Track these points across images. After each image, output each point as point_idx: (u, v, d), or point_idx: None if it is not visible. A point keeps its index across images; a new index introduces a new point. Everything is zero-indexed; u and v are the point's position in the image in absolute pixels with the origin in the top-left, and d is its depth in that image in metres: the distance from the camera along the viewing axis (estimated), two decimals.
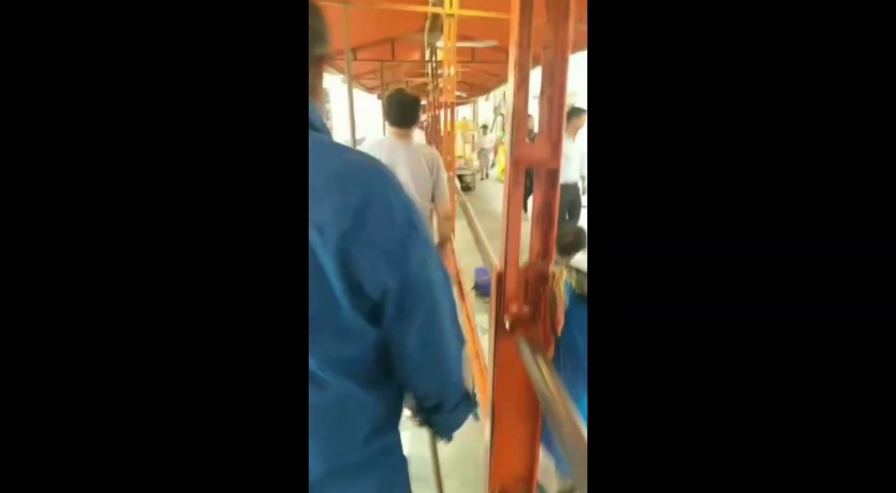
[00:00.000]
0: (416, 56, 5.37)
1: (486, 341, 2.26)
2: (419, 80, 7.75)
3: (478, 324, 2.70)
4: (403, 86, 9.12)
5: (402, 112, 1.83)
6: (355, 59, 4.64)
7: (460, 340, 0.66)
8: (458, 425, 0.72)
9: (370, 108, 11.03)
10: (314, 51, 0.55)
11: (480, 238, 1.49)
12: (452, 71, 2.73)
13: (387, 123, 1.89)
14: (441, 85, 5.30)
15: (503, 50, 4.95)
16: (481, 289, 3.28)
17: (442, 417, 0.70)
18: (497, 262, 0.76)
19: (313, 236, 0.48)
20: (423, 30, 4.37)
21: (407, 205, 0.54)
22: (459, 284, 3.08)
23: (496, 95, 12.70)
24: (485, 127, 11.22)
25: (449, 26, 2.77)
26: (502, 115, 13.53)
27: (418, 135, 5.84)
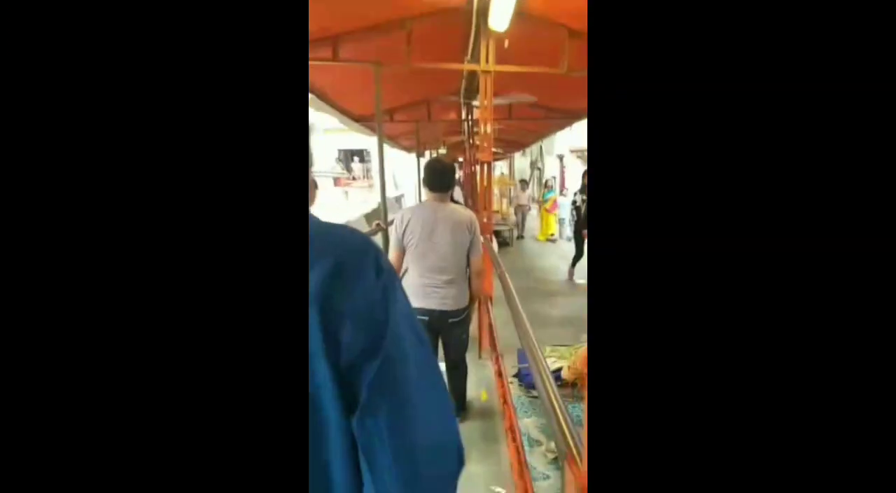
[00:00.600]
0: (453, 115, 5.38)
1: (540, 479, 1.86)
2: (456, 139, 7.85)
3: (525, 435, 2.05)
4: (441, 144, 9.39)
5: (441, 179, 1.99)
6: (391, 120, 4.67)
7: (443, 413, 0.54)
8: None
9: (408, 165, 11.26)
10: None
11: (519, 314, 1.27)
12: (489, 129, 2.59)
13: (426, 189, 2.04)
14: (477, 142, 5.33)
15: (541, 105, 4.90)
16: (526, 379, 2.58)
17: None
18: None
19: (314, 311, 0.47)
20: (458, 91, 4.37)
21: (376, 259, 0.52)
22: (499, 369, 2.60)
23: (532, 149, 12.74)
24: (523, 182, 11.10)
25: (485, 83, 2.67)
26: (539, 169, 13.49)
27: (456, 191, 6.09)
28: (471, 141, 5.21)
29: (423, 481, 0.51)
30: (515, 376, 2.72)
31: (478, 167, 3.57)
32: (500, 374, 2.54)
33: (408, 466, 0.50)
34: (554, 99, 4.61)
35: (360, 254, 0.51)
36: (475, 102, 3.79)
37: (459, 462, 0.55)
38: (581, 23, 2.58)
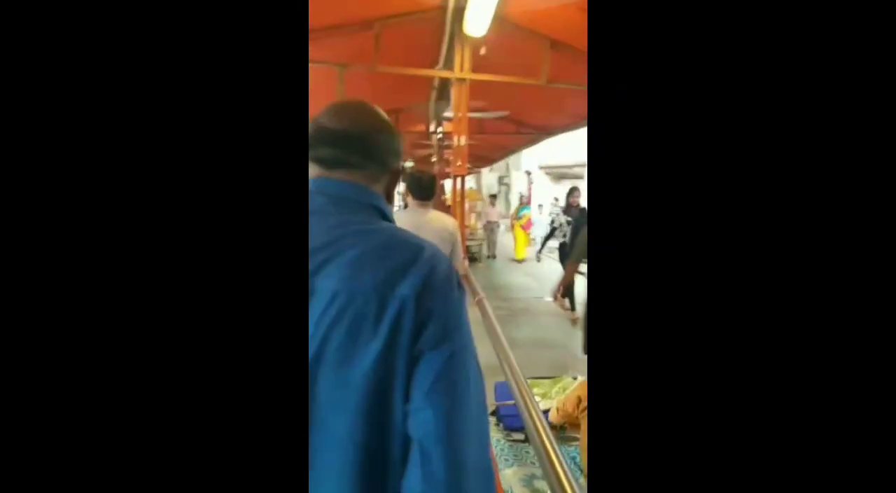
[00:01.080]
0: (421, 127, 5.17)
1: None
2: (423, 152, 7.65)
3: (507, 491, 1.69)
4: (406, 158, 9.17)
5: (423, 188, 2.21)
6: None
7: (484, 436, 0.58)
8: None
9: None
10: (394, 164, 0.66)
11: (500, 343, 1.04)
12: (463, 141, 2.38)
13: (410, 197, 2.23)
14: (445, 157, 5.14)
15: (513, 119, 4.76)
16: (506, 420, 2.18)
17: None
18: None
19: (394, 308, 0.52)
20: (428, 100, 4.17)
21: (454, 275, 0.59)
22: None
23: (499, 164, 12.76)
24: (493, 197, 11.00)
25: (459, 92, 2.47)
26: (507, 184, 13.53)
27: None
28: (440, 154, 5.02)
29: (469, 469, 0.54)
30: (492, 414, 2.27)
31: (447, 181, 3.36)
32: None
33: (457, 454, 0.53)
34: (528, 113, 4.48)
35: (448, 268, 0.58)
36: (447, 113, 3.60)
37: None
38: (564, 34, 2.43)
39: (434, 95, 3.61)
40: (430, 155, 6.34)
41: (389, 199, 0.67)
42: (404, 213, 2.27)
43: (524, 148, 8.15)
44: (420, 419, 0.52)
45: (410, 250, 0.57)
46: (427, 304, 0.53)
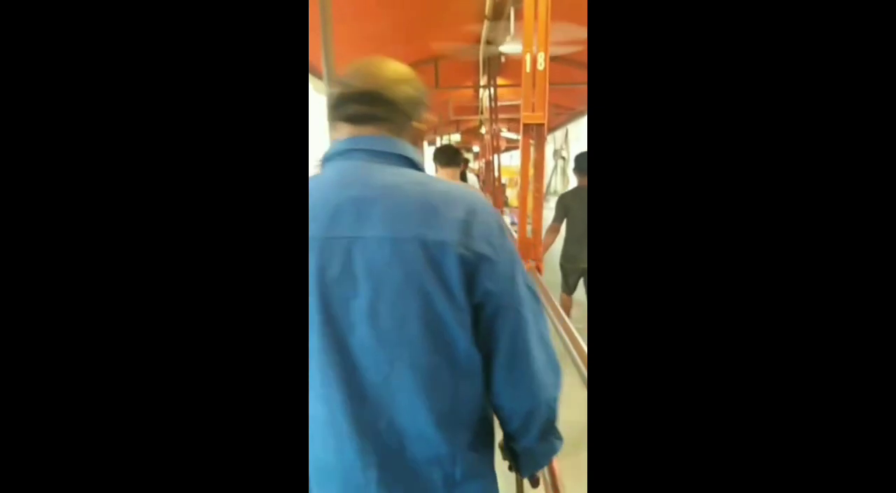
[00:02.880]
0: (468, 83, 4.12)
1: None
2: (469, 121, 6.59)
3: None
4: (453, 129, 8.10)
5: (448, 156, 2.35)
6: None
7: (553, 364, 0.65)
8: (543, 458, 0.69)
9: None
10: (419, 114, 0.67)
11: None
12: (542, 61, 1.35)
13: (437, 166, 2.35)
14: (495, 128, 4.12)
15: (582, 63, 3.65)
16: None
17: (527, 443, 0.67)
18: None
19: (436, 251, 0.55)
20: (477, 40, 3.13)
21: (501, 220, 0.62)
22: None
23: (556, 135, 11.29)
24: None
25: None
26: (564, 158, 12.06)
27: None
28: (492, 117, 3.98)
29: (536, 410, 0.63)
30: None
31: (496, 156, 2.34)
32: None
33: (523, 394, 0.62)
34: None
35: (490, 213, 0.60)
36: (505, 47, 2.56)
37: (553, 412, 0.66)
38: None
39: (488, 11, 2.55)
40: (479, 125, 5.26)
41: (419, 145, 0.68)
42: None
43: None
44: (498, 364, 0.60)
45: (446, 196, 0.58)
46: (475, 250, 0.56)
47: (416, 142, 0.67)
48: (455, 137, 8.59)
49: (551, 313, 1.15)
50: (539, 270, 1.50)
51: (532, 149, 1.45)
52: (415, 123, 0.66)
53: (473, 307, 0.57)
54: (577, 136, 11.27)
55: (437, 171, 2.32)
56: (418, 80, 0.66)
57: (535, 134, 1.39)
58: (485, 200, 0.62)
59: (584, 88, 4.14)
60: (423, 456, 0.59)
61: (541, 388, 0.62)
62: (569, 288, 2.79)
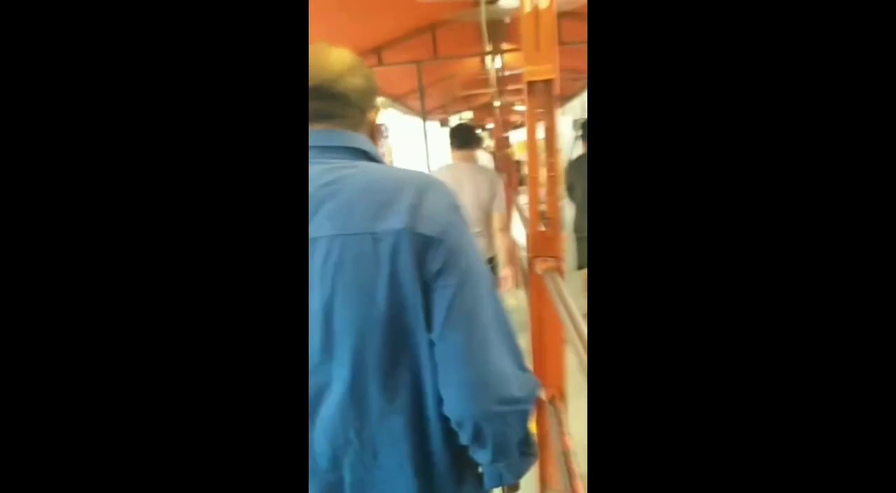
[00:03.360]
0: (471, 50, 3.72)
1: None
2: (480, 96, 6.15)
3: None
4: (463, 106, 7.63)
5: (463, 137, 2.26)
6: (380, 63, 3.11)
7: (517, 362, 0.58)
8: (508, 476, 0.60)
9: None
10: (370, 103, 0.64)
11: None
12: (545, 1, 1.02)
13: (452, 149, 2.27)
14: (506, 102, 3.72)
15: None
16: None
17: (483, 459, 0.58)
18: None
19: (385, 243, 0.52)
20: (476, 1, 2.75)
21: (453, 198, 0.59)
22: None
23: (575, 104, 10.65)
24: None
25: None
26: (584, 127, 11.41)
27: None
28: (501, 88, 3.60)
29: (493, 389, 0.54)
30: None
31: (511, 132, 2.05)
32: None
33: (481, 376, 0.54)
34: None
35: (440, 196, 0.57)
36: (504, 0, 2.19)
37: (526, 402, 0.57)
38: None
39: None
40: (489, 101, 4.81)
41: (374, 138, 0.66)
42: (443, 171, 2.27)
43: None
44: (441, 351, 0.54)
45: (396, 183, 0.56)
46: (422, 233, 0.53)
47: (371, 131, 0.65)
48: (467, 115, 8.16)
49: (569, 324, 0.86)
50: (560, 271, 1.18)
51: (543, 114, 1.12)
52: (368, 114, 0.63)
53: (428, 295, 0.54)
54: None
55: (452, 154, 2.25)
56: (365, 66, 0.63)
57: (544, 93, 1.06)
58: (437, 180, 0.59)
59: None
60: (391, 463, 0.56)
61: (498, 389, 0.55)
62: (582, 260, 2.68)
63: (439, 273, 0.53)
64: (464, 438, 0.57)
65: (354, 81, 0.60)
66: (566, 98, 7.45)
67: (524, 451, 0.60)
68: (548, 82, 1.05)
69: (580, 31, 2.80)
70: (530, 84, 1.05)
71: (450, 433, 0.57)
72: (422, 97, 3.50)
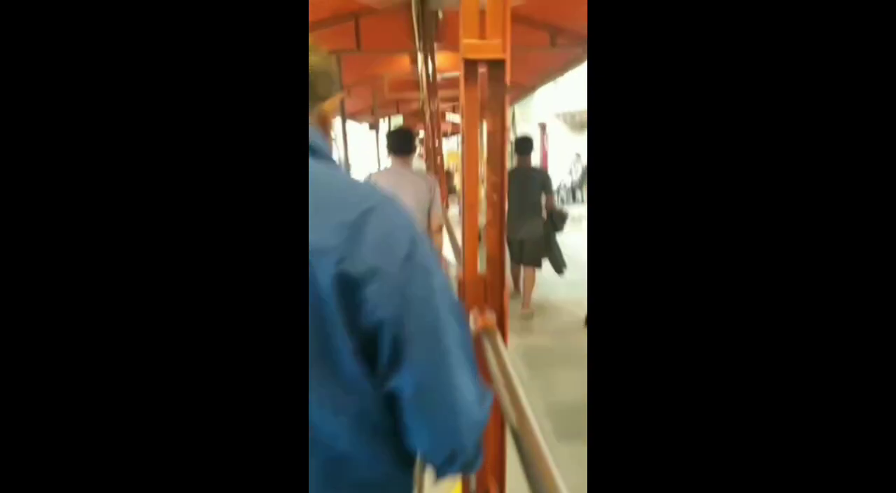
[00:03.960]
0: (393, 43, 3.33)
1: None
2: (409, 100, 5.79)
3: None
4: (393, 110, 7.23)
5: (402, 142, 2.30)
6: None
7: (481, 398, 0.54)
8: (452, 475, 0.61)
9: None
10: (325, 90, 0.56)
11: None
12: None
13: (391, 154, 2.28)
14: (435, 106, 3.38)
15: (544, 22, 2.99)
16: None
17: (442, 474, 0.56)
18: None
19: (313, 262, 0.45)
20: None
21: (411, 227, 0.51)
22: None
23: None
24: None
25: None
26: (511, 143, 11.42)
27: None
28: (431, 92, 3.26)
29: (446, 444, 0.52)
30: None
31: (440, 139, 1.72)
32: None
33: (434, 426, 0.51)
34: (569, 15, 2.71)
35: (391, 208, 0.49)
36: None
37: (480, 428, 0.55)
38: None
39: None
40: (420, 106, 4.40)
41: (325, 128, 0.58)
42: (382, 174, 2.36)
43: (551, 79, 4.75)
44: (399, 385, 0.48)
45: (342, 194, 0.49)
46: (358, 258, 0.45)
47: (323, 124, 0.57)
48: (397, 120, 7.78)
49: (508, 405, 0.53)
50: (502, 330, 0.84)
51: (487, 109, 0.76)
52: (322, 104, 0.55)
53: (364, 337, 0.46)
54: (524, 115, 10.61)
55: (392, 159, 2.27)
56: (321, 48, 0.54)
57: (492, 80, 0.72)
58: (393, 201, 0.51)
59: (539, 54, 3.46)
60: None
61: (468, 430, 0.52)
62: (514, 258, 3.26)
63: (385, 320, 0.46)
64: (431, 462, 0.54)
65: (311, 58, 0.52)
66: (520, 90, 5.27)
67: (476, 461, 0.57)
68: (496, 65, 0.71)
69: (516, 34, 2.54)
70: (468, 62, 0.69)
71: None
72: (341, 87, 3.06)
